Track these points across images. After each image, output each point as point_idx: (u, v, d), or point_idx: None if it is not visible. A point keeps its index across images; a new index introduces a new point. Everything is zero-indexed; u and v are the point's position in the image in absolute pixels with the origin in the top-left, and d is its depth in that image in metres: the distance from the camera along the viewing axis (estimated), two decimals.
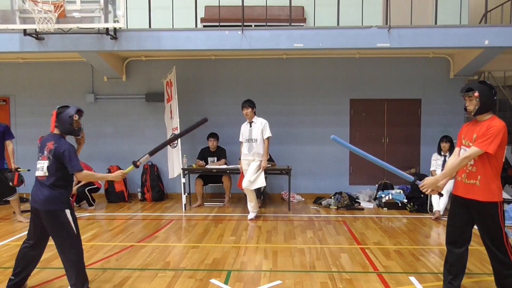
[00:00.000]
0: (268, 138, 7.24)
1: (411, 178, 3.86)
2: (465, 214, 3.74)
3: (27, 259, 4.06)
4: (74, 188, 7.87)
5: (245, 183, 7.12)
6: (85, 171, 3.93)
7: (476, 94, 3.56)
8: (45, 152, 3.94)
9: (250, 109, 7.23)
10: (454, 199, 3.87)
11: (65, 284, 4.29)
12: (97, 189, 8.38)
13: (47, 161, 3.90)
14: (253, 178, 7.12)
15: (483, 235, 3.69)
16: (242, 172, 7.46)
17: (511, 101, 10.44)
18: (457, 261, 3.82)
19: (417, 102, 9.24)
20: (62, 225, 3.83)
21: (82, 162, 8.05)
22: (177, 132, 8.18)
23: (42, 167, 3.93)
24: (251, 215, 7.28)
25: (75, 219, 3.92)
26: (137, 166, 4.22)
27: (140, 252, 5.41)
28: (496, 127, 3.48)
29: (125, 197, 8.93)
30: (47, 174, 3.89)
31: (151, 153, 4.35)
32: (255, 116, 7.34)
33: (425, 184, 3.76)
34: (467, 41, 7.37)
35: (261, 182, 7.25)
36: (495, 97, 3.61)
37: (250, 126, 7.31)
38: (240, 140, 7.48)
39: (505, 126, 3.54)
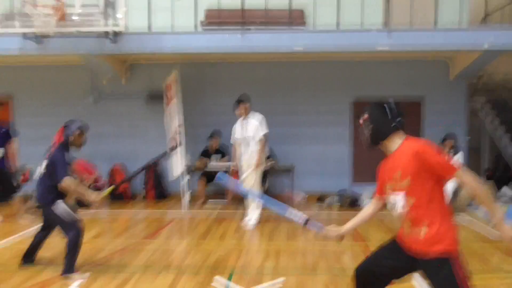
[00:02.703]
0: (264, 135, 6.65)
1: (302, 219, 3.07)
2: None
3: (37, 236, 4.82)
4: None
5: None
6: (68, 179, 4.34)
7: (366, 116, 2.75)
8: (47, 154, 4.59)
9: (242, 106, 6.69)
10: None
11: (66, 283, 4.29)
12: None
13: (46, 162, 4.55)
14: (244, 176, 6.61)
15: None
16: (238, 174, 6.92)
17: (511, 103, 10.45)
18: None
19: (418, 104, 9.26)
20: (59, 214, 4.42)
21: (84, 161, 8.13)
22: (177, 135, 8.20)
23: (42, 166, 4.59)
24: (251, 224, 6.68)
25: (70, 205, 4.50)
26: (116, 189, 4.86)
27: (142, 251, 5.40)
28: (423, 142, 2.57)
29: (127, 196, 8.94)
30: (44, 171, 4.54)
31: (128, 180, 5.09)
32: (250, 112, 6.77)
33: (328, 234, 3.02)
34: (468, 43, 7.42)
35: (255, 184, 6.59)
36: (394, 116, 2.66)
37: (245, 123, 6.72)
38: (232, 141, 6.97)
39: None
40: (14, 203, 7.09)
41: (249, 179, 6.59)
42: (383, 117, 2.67)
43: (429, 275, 2.57)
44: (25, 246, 4.87)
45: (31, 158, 8.86)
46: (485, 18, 8.28)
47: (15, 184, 6.91)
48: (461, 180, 2.48)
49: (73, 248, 4.41)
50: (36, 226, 4.74)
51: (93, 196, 4.57)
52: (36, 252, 4.84)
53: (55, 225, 4.59)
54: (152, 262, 5.01)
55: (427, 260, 2.53)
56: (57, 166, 4.37)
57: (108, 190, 4.64)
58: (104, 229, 6.68)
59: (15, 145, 6.96)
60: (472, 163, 10.28)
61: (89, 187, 8.10)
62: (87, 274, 4.47)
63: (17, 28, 7.12)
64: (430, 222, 2.53)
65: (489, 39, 7.28)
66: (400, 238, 2.76)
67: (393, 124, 2.65)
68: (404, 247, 2.68)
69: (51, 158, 4.47)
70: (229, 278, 4.38)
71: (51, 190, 4.45)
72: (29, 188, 7.95)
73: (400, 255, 2.70)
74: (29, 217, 7.12)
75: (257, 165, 6.62)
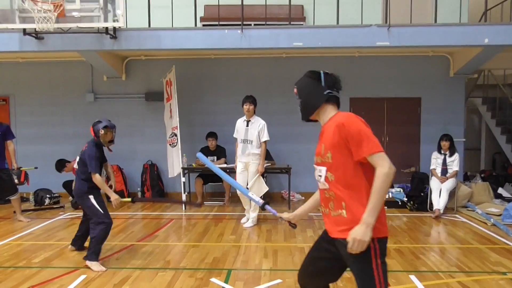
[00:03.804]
0: (265, 141, 6.71)
1: (259, 202, 2.91)
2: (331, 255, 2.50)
3: (82, 227, 5.30)
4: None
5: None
6: (97, 176, 4.80)
7: (295, 90, 2.67)
8: (81, 151, 5.02)
9: (252, 106, 6.67)
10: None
11: (65, 284, 4.31)
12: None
13: (79, 158, 5.04)
14: (251, 184, 6.60)
15: None
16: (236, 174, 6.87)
17: (511, 99, 10.43)
18: None
19: (417, 100, 9.23)
20: (88, 207, 4.87)
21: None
22: (177, 131, 8.20)
23: (76, 162, 5.12)
24: (249, 223, 6.76)
25: (100, 202, 4.88)
26: (133, 202, 5.40)
27: (140, 251, 5.41)
28: (353, 116, 2.39)
29: (125, 196, 8.93)
30: (77, 167, 5.08)
31: (148, 201, 5.30)
32: (255, 115, 6.79)
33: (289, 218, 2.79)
34: (467, 39, 7.36)
35: (261, 188, 6.71)
36: (329, 86, 2.54)
37: (247, 126, 6.71)
38: (235, 136, 6.89)
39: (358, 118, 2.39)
40: (13, 203, 7.09)
41: (255, 186, 6.60)
42: (315, 85, 2.53)
43: (344, 256, 2.37)
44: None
45: (29, 156, 8.96)
46: (485, 14, 8.21)
47: (16, 181, 6.93)
48: (375, 163, 2.21)
49: (98, 238, 4.77)
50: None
51: (113, 197, 4.91)
52: (85, 240, 5.28)
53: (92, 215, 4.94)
54: (150, 261, 5.02)
55: (342, 241, 2.32)
56: (88, 161, 4.83)
57: (126, 199, 5.17)
58: None
59: (12, 145, 6.95)
60: (470, 163, 10.29)
61: None
62: (105, 269, 4.68)
63: (17, 25, 7.08)
64: (349, 205, 2.31)
65: (489, 35, 7.23)
66: (324, 221, 2.52)
67: (326, 92, 2.50)
68: (327, 230, 2.49)
69: (83, 154, 4.94)
70: (226, 281, 4.39)
71: (83, 184, 4.89)
72: (26, 189, 8.01)
73: (325, 244, 2.52)
74: (26, 217, 7.14)
75: (260, 172, 6.68)
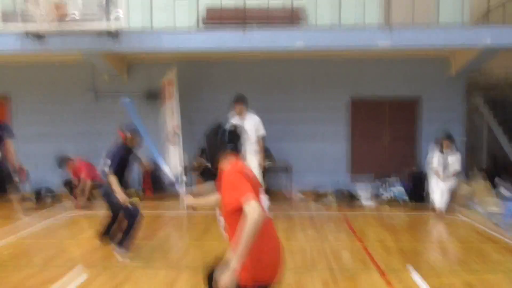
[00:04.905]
0: (262, 136, 6.77)
1: (171, 180, 3.26)
2: None
3: (105, 223, 5.48)
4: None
5: None
6: (112, 176, 5.04)
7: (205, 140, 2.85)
8: (107, 151, 5.26)
9: (244, 106, 6.70)
10: None
11: (65, 283, 4.32)
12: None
13: (105, 157, 5.23)
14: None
15: None
16: None
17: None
18: None
19: (417, 100, 9.25)
20: (115, 204, 5.09)
21: (85, 162, 8.11)
22: (178, 130, 8.19)
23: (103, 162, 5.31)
24: None
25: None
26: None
27: (141, 250, 5.41)
28: (233, 169, 2.59)
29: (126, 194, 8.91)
30: (103, 167, 5.26)
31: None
32: (247, 113, 6.78)
33: None
34: (468, 40, 7.38)
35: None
36: (226, 141, 2.75)
37: (243, 123, 6.56)
38: None
39: (242, 167, 2.64)
40: (12, 203, 7.09)
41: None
42: (215, 141, 2.78)
43: None
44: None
45: (29, 156, 8.96)
46: (486, 15, 8.22)
47: (16, 179, 6.92)
48: (245, 211, 2.32)
49: (130, 230, 5.06)
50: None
51: (122, 197, 5.05)
52: (109, 231, 5.43)
53: (118, 211, 5.20)
54: (151, 260, 5.02)
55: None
56: (111, 158, 5.13)
57: (134, 198, 5.32)
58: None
59: (11, 145, 6.95)
60: (470, 163, 10.27)
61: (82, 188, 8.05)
62: (129, 261, 4.90)
63: (18, 26, 7.09)
64: (234, 247, 2.35)
65: (490, 36, 7.24)
66: None
67: (224, 148, 2.74)
68: None
69: (108, 154, 5.21)
70: None
71: (107, 183, 5.10)
72: (27, 187, 8.01)
73: None
74: (27, 216, 7.15)
75: (260, 166, 6.70)
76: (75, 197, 8.08)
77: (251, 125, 6.68)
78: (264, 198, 2.47)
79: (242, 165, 2.66)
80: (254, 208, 2.29)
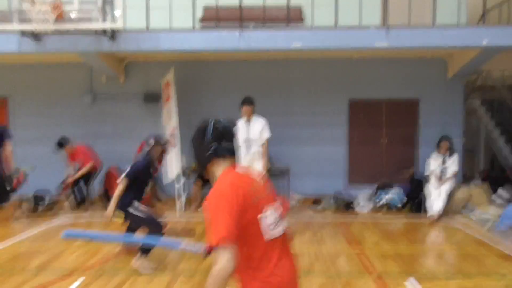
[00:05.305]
0: (267, 138, 6.71)
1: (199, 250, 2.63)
2: None
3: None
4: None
5: None
6: (120, 185, 4.83)
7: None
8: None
9: (251, 107, 6.62)
10: None
11: (64, 284, 4.31)
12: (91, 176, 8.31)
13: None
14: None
15: None
16: None
17: (509, 101, 10.40)
18: None
19: (415, 102, 9.23)
20: (133, 217, 4.90)
21: (85, 148, 8.08)
22: (176, 132, 8.18)
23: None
24: None
25: (142, 210, 4.90)
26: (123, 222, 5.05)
27: (137, 255, 5.39)
28: (215, 191, 2.04)
29: None
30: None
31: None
32: (254, 115, 6.73)
33: None
34: (466, 41, 7.37)
35: None
36: (211, 141, 2.21)
37: (249, 125, 6.68)
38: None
39: (231, 184, 2.05)
40: (9, 207, 7.06)
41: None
42: (200, 142, 2.26)
43: None
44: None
45: (27, 158, 8.92)
46: (483, 16, 8.21)
47: (8, 188, 6.82)
48: (214, 257, 1.93)
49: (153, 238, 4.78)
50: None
51: (108, 211, 4.88)
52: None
53: (137, 225, 5.00)
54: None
55: None
56: (130, 168, 4.95)
57: (120, 217, 4.94)
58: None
59: (10, 147, 6.90)
60: (468, 165, 10.28)
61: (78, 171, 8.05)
62: (150, 271, 4.76)
63: (15, 26, 7.05)
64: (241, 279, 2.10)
65: (487, 37, 7.23)
66: None
67: (209, 152, 2.19)
68: None
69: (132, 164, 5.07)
70: None
71: (124, 195, 4.87)
72: (24, 191, 7.97)
73: None
74: (24, 220, 7.13)
75: (265, 169, 6.60)
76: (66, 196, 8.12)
77: (257, 128, 6.59)
78: (272, 212, 2.11)
79: (237, 175, 2.14)
80: (221, 260, 1.89)
